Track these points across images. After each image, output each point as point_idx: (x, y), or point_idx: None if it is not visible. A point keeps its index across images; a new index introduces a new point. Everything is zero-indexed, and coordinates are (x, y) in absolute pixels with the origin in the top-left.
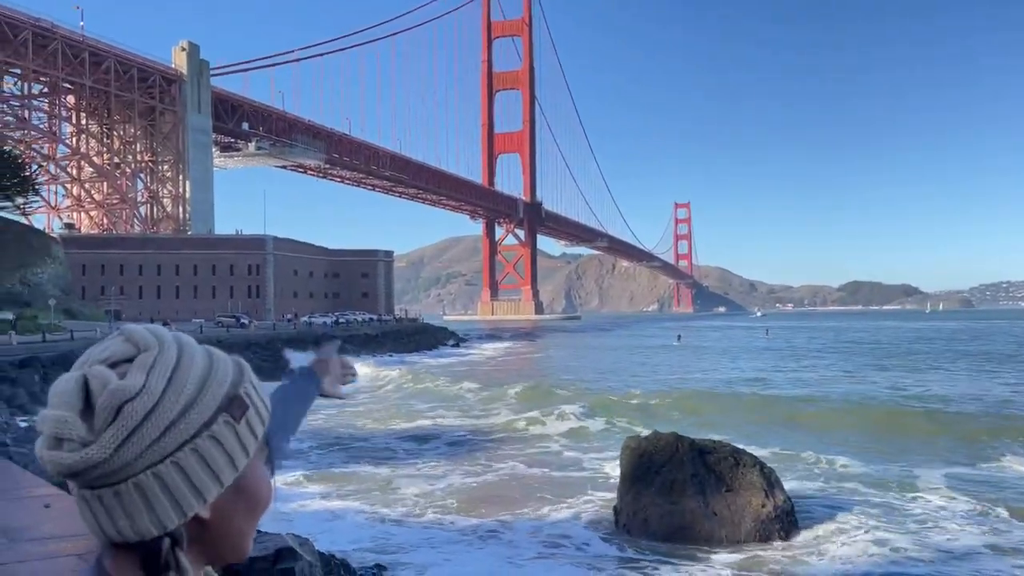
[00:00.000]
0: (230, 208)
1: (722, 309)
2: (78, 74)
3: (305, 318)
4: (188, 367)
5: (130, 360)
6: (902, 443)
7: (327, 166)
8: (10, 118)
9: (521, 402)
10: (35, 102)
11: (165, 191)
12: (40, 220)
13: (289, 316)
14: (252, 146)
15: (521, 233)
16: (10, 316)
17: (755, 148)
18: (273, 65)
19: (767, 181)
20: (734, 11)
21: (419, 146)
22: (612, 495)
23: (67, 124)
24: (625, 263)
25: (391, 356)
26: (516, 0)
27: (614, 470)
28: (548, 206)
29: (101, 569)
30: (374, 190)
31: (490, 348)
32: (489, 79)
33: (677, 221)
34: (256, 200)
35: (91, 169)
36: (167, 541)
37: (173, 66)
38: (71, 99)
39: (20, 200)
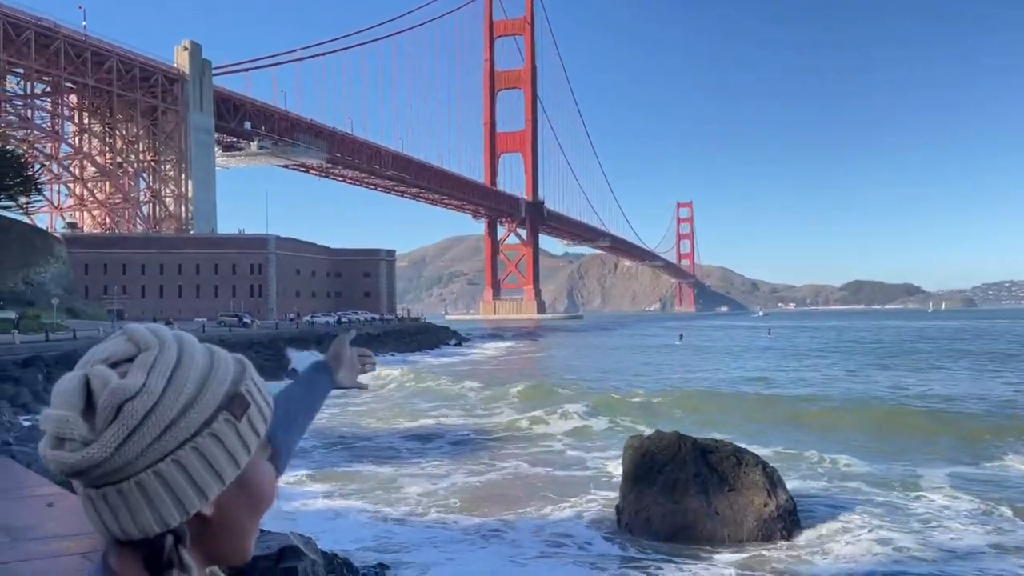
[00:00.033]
0: (232, 207)
1: (724, 309)
2: (80, 74)
3: (307, 317)
4: (188, 366)
5: (131, 359)
6: (905, 442)
7: (329, 165)
8: (13, 118)
9: (524, 401)
10: (38, 102)
11: (167, 190)
12: (43, 220)
13: (291, 315)
14: (254, 145)
15: (523, 232)
16: (13, 315)
17: (756, 148)
18: (275, 65)
19: (768, 181)
20: (734, 11)
21: (421, 145)
22: (615, 494)
23: (70, 123)
24: (627, 263)
25: (393, 355)
26: None
27: (617, 469)
28: (550, 205)
29: (107, 567)
30: (376, 189)
31: (492, 347)
32: (491, 78)
33: (679, 220)
34: (258, 199)
35: (94, 168)
36: (170, 538)
37: (175, 66)
38: (74, 99)
39: (23, 199)
